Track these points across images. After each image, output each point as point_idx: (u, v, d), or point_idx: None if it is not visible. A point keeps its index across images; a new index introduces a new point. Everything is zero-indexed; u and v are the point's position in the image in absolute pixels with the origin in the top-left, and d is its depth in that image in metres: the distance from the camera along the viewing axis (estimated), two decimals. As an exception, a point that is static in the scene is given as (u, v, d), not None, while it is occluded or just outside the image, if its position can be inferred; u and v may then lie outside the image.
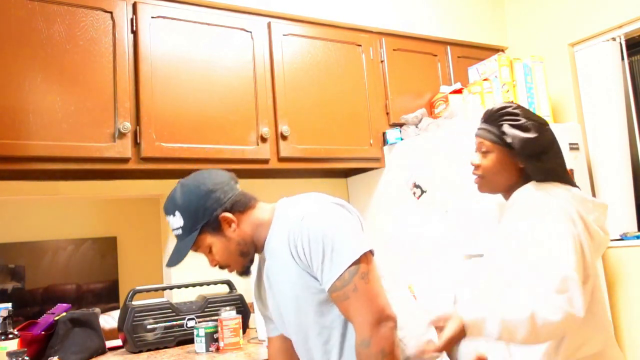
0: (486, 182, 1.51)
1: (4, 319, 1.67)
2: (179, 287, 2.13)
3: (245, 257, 1.34)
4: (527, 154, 1.44)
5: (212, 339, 1.90)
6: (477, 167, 1.51)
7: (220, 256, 1.33)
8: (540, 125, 1.47)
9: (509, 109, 1.48)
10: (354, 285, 1.16)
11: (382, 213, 2.53)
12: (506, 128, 1.45)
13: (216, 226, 1.29)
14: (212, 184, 1.29)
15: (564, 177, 1.49)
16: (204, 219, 1.28)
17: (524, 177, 1.48)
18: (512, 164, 1.47)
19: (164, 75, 2.04)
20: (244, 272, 1.38)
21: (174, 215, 1.30)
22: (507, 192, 1.51)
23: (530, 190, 1.45)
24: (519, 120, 1.46)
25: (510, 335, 1.23)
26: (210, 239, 1.31)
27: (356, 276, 1.16)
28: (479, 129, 1.52)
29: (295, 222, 1.23)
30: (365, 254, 1.19)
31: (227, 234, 1.30)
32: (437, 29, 2.79)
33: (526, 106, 2.50)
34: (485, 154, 1.49)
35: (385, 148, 2.53)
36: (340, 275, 1.16)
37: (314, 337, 1.29)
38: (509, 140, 1.44)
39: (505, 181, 1.49)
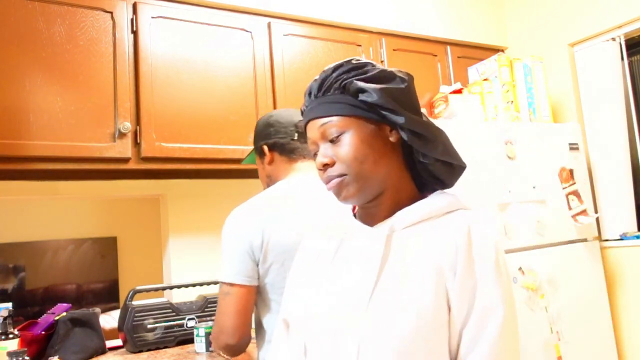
0: (357, 178, 0.90)
1: (4, 318, 1.67)
2: (179, 287, 2.13)
3: None
4: (403, 109, 0.90)
5: (212, 338, 1.90)
6: (331, 165, 0.92)
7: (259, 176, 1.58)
8: (409, 77, 0.95)
9: (350, 64, 0.93)
10: (219, 297, 1.33)
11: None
12: (359, 83, 0.90)
13: (259, 152, 1.52)
14: (276, 121, 1.49)
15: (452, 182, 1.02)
16: (256, 142, 1.53)
17: (404, 168, 0.96)
18: (382, 139, 0.93)
19: (164, 75, 2.04)
20: None
21: None
22: (389, 192, 0.95)
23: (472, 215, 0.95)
24: (373, 69, 0.92)
25: None
26: (257, 159, 1.55)
27: (220, 290, 1.33)
28: (309, 110, 0.95)
29: None
30: (236, 283, 1.31)
31: (263, 163, 1.52)
32: (437, 29, 2.80)
33: (526, 107, 2.51)
34: (335, 141, 0.91)
35: (385, 148, 2.52)
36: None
37: None
38: (369, 97, 0.89)
39: (384, 169, 0.93)
